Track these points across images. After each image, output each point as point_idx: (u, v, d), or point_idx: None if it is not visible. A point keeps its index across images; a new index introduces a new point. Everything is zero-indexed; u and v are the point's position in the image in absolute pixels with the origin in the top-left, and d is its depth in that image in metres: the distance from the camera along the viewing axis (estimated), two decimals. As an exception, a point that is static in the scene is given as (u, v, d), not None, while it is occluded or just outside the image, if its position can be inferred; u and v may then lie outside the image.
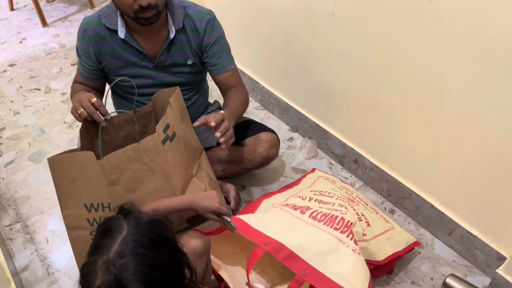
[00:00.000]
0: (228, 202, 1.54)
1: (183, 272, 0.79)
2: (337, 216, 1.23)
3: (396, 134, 1.45)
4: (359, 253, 1.16)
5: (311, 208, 1.27)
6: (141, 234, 0.75)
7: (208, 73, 1.53)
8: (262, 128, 1.57)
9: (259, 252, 1.14)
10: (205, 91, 1.63)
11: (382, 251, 1.27)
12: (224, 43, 1.44)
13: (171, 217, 1.00)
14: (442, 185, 1.38)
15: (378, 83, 1.41)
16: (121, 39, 1.37)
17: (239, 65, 2.12)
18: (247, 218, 1.24)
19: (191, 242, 0.86)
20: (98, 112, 1.27)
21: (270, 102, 2.01)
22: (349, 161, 1.69)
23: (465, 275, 1.36)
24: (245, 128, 1.57)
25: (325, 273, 1.12)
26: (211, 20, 1.40)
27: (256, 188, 1.68)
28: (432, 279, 1.36)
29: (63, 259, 1.47)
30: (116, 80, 1.33)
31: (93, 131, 1.36)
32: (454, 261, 1.40)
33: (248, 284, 1.15)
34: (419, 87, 1.28)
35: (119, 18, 1.35)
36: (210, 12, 1.42)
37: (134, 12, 1.26)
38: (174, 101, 1.29)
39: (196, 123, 1.25)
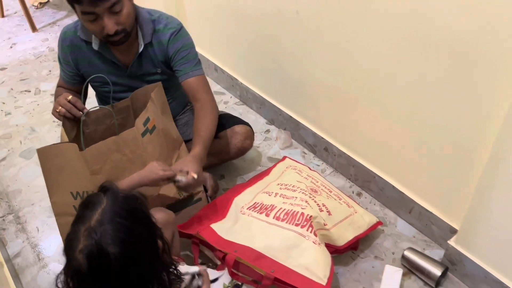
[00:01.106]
0: (206, 190, 1.65)
1: (156, 242, 0.89)
2: (298, 212, 1.36)
3: (358, 122, 1.57)
4: (319, 244, 1.30)
5: (275, 208, 1.40)
6: (118, 206, 0.85)
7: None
8: (237, 121, 1.69)
9: (231, 258, 1.29)
10: (182, 93, 1.73)
11: (343, 238, 1.39)
12: (189, 51, 1.49)
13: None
14: (400, 167, 1.50)
15: (339, 75, 1.53)
16: (96, 50, 1.48)
17: (219, 63, 2.24)
18: (219, 229, 1.39)
19: (154, 215, 0.97)
20: (75, 107, 1.38)
21: (248, 97, 2.12)
22: (320, 149, 1.81)
23: (424, 249, 1.47)
24: (221, 122, 1.68)
25: (290, 267, 1.27)
26: (175, 32, 1.47)
27: (234, 177, 1.79)
28: (393, 253, 1.47)
29: (53, 246, 1.58)
30: (92, 77, 1.44)
31: (75, 126, 1.48)
32: (414, 237, 1.52)
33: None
34: (374, 77, 1.40)
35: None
36: (178, 24, 1.49)
37: (103, 37, 1.37)
38: (155, 95, 1.40)
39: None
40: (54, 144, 1.34)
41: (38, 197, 1.77)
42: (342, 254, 1.46)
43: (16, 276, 1.49)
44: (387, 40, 1.29)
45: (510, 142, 1.04)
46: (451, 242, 1.35)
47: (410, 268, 1.40)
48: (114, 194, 0.89)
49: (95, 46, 1.46)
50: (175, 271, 0.97)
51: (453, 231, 1.38)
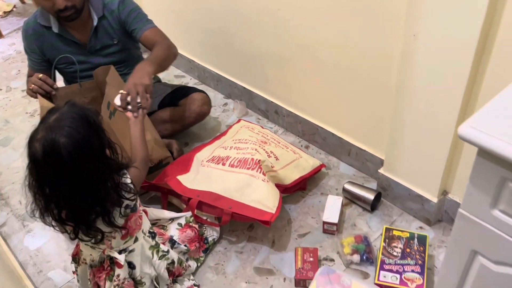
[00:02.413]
0: (172, 153, 1.85)
1: (104, 147, 1.09)
2: (248, 158, 1.58)
3: (299, 82, 1.80)
4: (267, 181, 1.51)
5: (230, 158, 1.61)
6: (74, 111, 1.05)
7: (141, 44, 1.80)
8: (194, 90, 1.90)
9: (194, 202, 1.49)
10: None
11: (289, 178, 1.62)
12: (138, 12, 1.71)
13: None
14: (337, 116, 1.73)
15: (278, 41, 1.76)
16: (56, 33, 1.67)
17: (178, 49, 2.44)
18: (184, 180, 1.59)
19: None
20: (45, 83, 1.56)
21: (205, 76, 2.34)
22: (272, 113, 2.04)
23: (362, 183, 1.71)
24: (180, 92, 1.90)
25: (245, 202, 1.48)
26: (121, 0, 1.69)
27: (197, 143, 1.99)
28: (336, 189, 1.71)
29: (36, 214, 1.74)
30: (58, 58, 1.62)
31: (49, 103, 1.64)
32: (354, 175, 1.76)
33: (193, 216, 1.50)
34: (305, 39, 1.64)
35: (51, 16, 1.64)
36: None
37: (55, 13, 1.57)
38: (110, 79, 1.55)
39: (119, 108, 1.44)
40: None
41: (18, 176, 1.93)
42: (293, 193, 1.68)
43: (4, 241, 1.65)
44: (312, 5, 1.53)
45: (406, 75, 1.28)
46: (381, 170, 1.59)
47: (350, 198, 1.64)
48: (72, 103, 1.10)
49: (55, 29, 1.65)
50: (124, 180, 1.16)
51: (383, 163, 1.63)
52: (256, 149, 1.62)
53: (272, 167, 1.59)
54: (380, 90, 1.49)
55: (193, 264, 1.42)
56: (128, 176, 1.18)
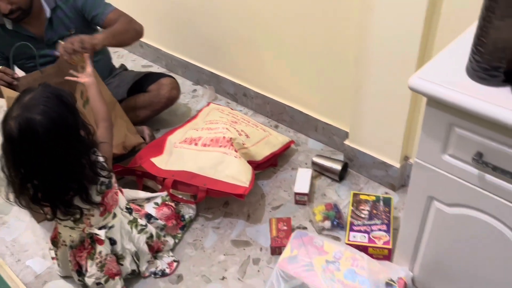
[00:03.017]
0: (144, 139, 1.88)
1: (78, 126, 1.11)
2: (220, 137, 1.63)
3: (264, 62, 1.86)
4: (239, 157, 1.57)
5: (202, 138, 1.66)
6: (49, 91, 1.08)
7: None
8: (162, 75, 1.93)
9: (169, 181, 1.53)
10: (104, 56, 1.92)
11: (260, 154, 1.68)
12: None
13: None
14: (302, 94, 1.81)
15: (242, 23, 1.82)
16: (10, 30, 1.66)
17: (143, 39, 2.44)
18: (158, 162, 1.63)
19: None
20: (5, 74, 1.55)
21: (173, 64, 2.37)
22: (240, 96, 2.09)
23: (330, 156, 1.79)
24: (148, 78, 1.92)
25: (219, 178, 1.53)
26: None
27: (168, 129, 2.02)
28: (306, 164, 1.78)
29: (9, 207, 1.74)
30: (16, 45, 1.60)
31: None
32: (322, 149, 1.84)
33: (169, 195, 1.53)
34: (269, 22, 1.70)
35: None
36: None
37: (3, 15, 1.57)
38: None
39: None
40: None
41: (-12, 171, 1.91)
42: (265, 170, 1.75)
43: (-22, 235, 1.64)
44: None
45: (363, 46, 1.37)
46: (346, 142, 1.67)
47: (319, 170, 1.71)
48: (46, 84, 1.12)
49: (8, 26, 1.65)
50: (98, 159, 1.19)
51: (348, 135, 1.71)
52: (227, 128, 1.67)
53: (243, 144, 1.64)
54: (341, 65, 1.57)
55: (170, 240, 1.46)
56: (100, 155, 1.21)
